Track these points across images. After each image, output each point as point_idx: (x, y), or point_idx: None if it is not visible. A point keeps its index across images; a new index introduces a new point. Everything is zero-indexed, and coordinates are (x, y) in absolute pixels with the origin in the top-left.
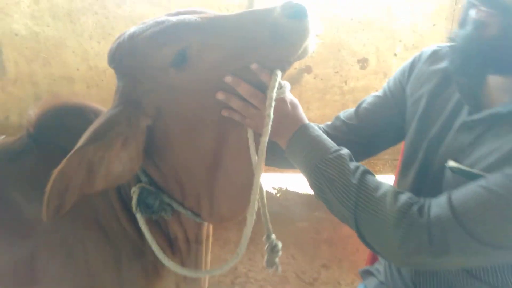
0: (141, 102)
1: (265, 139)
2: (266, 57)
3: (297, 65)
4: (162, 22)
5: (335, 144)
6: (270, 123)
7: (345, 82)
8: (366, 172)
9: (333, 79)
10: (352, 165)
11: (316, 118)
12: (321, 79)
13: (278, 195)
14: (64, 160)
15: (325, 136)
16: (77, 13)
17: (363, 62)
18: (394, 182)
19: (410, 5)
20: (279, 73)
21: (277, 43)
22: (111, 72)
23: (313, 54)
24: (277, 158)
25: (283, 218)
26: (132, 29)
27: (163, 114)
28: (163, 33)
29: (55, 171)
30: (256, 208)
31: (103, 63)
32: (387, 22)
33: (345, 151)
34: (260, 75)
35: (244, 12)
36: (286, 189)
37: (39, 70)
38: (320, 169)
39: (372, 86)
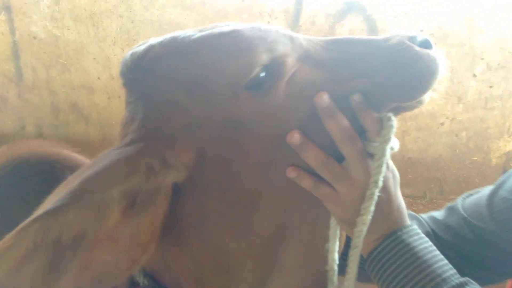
0: (177, 140)
1: (364, 222)
2: (379, 92)
3: None
4: (234, 24)
5: (454, 270)
6: (376, 195)
7: None
8: None
9: None
10: None
11: None
12: None
13: None
14: (12, 234)
15: (437, 252)
16: (100, 16)
17: None
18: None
19: (497, 17)
20: (394, 120)
21: (400, 73)
22: None
23: None
24: None
25: None
26: (172, 33)
27: (206, 167)
28: (244, 35)
29: None
30: None
31: None
32: (467, 36)
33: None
34: (364, 115)
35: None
36: None
37: (57, 78)
38: None
39: (442, 113)
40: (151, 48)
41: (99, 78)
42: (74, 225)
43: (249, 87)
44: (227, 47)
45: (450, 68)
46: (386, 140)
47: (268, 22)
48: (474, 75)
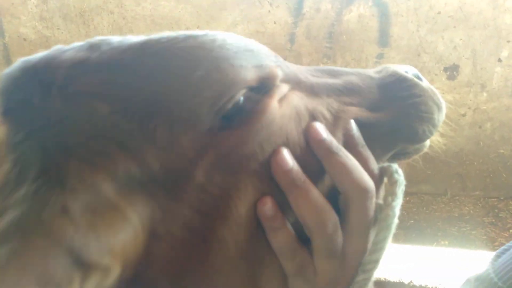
0: (98, 214)
1: None
2: (380, 128)
3: None
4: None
5: None
6: (371, 282)
7: None
8: None
9: None
10: None
11: None
12: None
13: None
14: None
15: None
16: (90, 13)
17: (452, 70)
18: None
19: None
20: (401, 172)
21: (404, 107)
22: None
23: (382, 58)
24: None
25: None
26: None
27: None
28: (220, 39)
29: None
30: None
31: None
32: (491, 16)
33: None
34: (360, 153)
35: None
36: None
37: None
38: None
39: (464, 103)
40: (66, 54)
41: None
42: None
43: (227, 118)
44: (196, 56)
45: (473, 53)
46: (396, 200)
47: (269, 12)
48: (499, 60)
